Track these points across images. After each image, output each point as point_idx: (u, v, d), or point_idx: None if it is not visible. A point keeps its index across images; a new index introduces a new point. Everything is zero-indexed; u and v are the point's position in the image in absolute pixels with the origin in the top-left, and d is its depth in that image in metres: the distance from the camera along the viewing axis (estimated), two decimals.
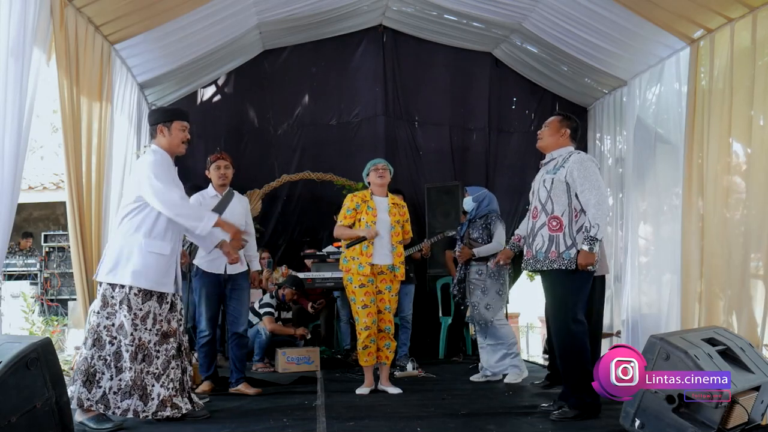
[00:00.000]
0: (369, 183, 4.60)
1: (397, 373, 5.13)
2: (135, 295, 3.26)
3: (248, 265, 4.56)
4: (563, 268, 3.48)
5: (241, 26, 6.36)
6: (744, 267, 4.34)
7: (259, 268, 4.79)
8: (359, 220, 4.44)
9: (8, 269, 8.22)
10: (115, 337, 3.26)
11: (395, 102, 7.57)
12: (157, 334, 3.33)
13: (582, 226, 3.51)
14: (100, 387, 3.24)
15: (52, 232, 8.76)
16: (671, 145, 5.46)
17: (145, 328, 3.29)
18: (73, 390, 3.21)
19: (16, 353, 2.63)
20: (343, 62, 7.59)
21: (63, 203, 5.56)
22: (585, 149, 7.58)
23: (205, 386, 4.40)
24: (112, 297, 3.27)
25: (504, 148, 7.64)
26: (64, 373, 3.26)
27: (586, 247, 3.42)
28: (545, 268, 3.56)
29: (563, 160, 3.60)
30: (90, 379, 3.23)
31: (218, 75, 7.31)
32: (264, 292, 6.36)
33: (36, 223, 10.72)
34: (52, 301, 7.94)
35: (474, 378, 4.97)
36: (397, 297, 4.56)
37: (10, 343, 2.73)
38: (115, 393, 3.24)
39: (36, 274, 8.48)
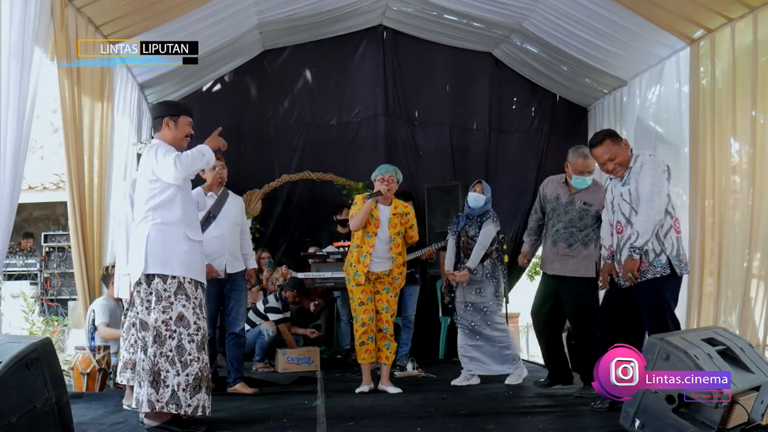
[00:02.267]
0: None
1: (397, 373, 5.13)
2: (189, 282, 3.18)
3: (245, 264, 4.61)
4: (657, 276, 3.45)
5: (241, 26, 6.36)
6: (744, 267, 4.34)
7: (255, 266, 4.82)
8: (363, 228, 4.46)
9: (8, 269, 8.21)
10: (175, 330, 3.12)
11: (395, 102, 7.56)
12: (206, 323, 3.28)
13: (670, 227, 3.47)
14: (168, 386, 3.09)
15: (52, 232, 8.74)
16: (671, 145, 5.46)
17: (203, 316, 3.22)
18: (140, 393, 3.11)
19: (16, 353, 2.63)
20: (343, 62, 7.59)
21: (63, 203, 5.56)
22: None
23: None
24: (165, 290, 3.14)
25: (504, 148, 7.63)
26: (64, 373, 3.26)
27: (628, 254, 3.42)
28: (641, 280, 3.50)
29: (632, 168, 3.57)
30: (156, 378, 3.09)
31: (218, 75, 7.32)
32: (265, 293, 6.37)
33: (36, 223, 10.71)
34: (52, 301, 7.93)
35: (458, 382, 4.76)
36: (397, 299, 4.55)
37: (10, 343, 2.73)
38: (184, 390, 3.09)
39: (36, 274, 8.47)
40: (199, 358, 3.15)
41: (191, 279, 3.20)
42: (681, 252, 3.51)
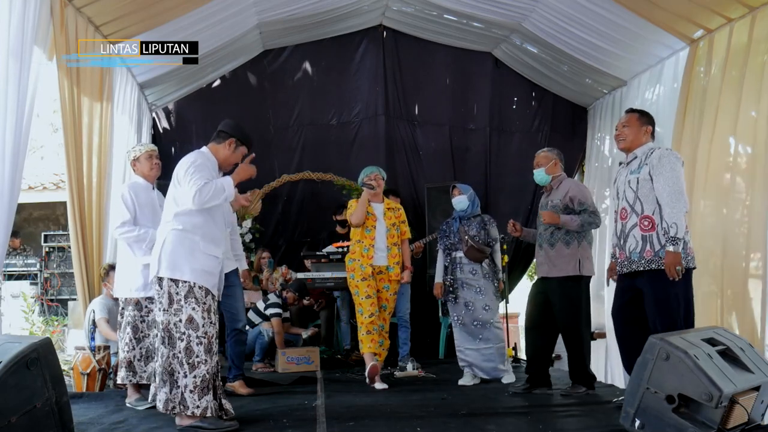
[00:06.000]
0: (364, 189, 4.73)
1: (397, 373, 5.13)
2: (199, 288, 3.24)
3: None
4: (662, 267, 3.41)
5: (241, 26, 6.36)
6: (743, 267, 4.34)
7: (247, 267, 4.79)
8: (363, 224, 4.67)
9: (8, 269, 8.21)
10: (184, 333, 3.19)
11: (395, 102, 7.57)
12: (215, 330, 3.31)
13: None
14: (179, 387, 3.16)
15: (52, 232, 8.75)
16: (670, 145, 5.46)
17: (210, 322, 3.26)
18: (160, 393, 3.19)
19: (16, 353, 2.63)
20: (343, 62, 7.59)
21: (63, 203, 5.56)
22: (585, 149, 7.59)
23: None
24: (177, 293, 3.23)
25: (504, 148, 7.64)
26: (64, 373, 3.26)
27: (670, 248, 3.36)
28: (642, 269, 3.49)
29: (646, 158, 3.54)
30: (170, 379, 3.17)
31: (218, 75, 7.32)
32: (265, 293, 6.36)
33: (36, 223, 10.70)
34: (52, 301, 7.93)
35: (465, 382, 4.76)
36: (395, 297, 4.70)
37: (10, 343, 2.73)
38: (191, 391, 3.15)
39: (36, 274, 8.47)
40: (206, 360, 3.20)
41: (201, 286, 3.25)
42: (688, 245, 3.49)
